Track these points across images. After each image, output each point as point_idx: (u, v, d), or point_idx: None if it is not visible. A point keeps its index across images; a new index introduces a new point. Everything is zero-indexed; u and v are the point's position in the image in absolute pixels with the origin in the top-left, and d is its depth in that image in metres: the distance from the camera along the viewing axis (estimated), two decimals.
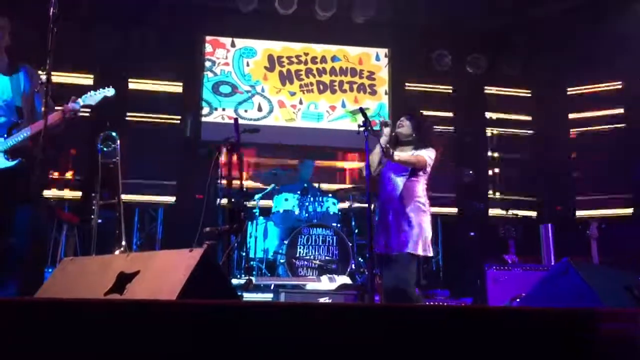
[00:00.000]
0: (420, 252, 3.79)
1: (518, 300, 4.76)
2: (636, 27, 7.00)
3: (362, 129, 3.89)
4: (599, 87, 8.08)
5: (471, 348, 1.88)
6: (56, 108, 3.78)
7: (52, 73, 3.46)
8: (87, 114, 6.35)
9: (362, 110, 3.99)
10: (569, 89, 8.20)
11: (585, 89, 8.12)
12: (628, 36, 7.05)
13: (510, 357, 1.89)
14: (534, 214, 7.86)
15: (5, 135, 3.66)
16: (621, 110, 7.92)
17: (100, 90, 3.98)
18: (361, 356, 1.79)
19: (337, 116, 8.04)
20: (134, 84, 7.64)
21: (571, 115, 8.14)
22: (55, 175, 7.23)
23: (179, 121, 7.75)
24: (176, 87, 7.83)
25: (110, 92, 3.98)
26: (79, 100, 3.81)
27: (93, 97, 3.91)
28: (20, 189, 3.53)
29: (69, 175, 7.27)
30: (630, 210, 7.44)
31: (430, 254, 3.92)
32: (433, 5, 7.56)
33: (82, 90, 4.04)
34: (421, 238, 3.81)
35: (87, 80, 7.34)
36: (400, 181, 3.95)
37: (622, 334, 1.94)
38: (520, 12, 7.72)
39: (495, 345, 1.90)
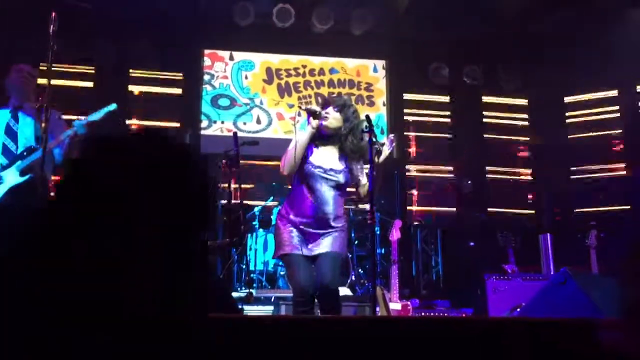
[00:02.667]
0: None
1: (518, 310, 4.76)
2: (634, 36, 7.05)
3: (365, 134, 3.51)
4: (595, 96, 8.13)
5: (473, 359, 1.89)
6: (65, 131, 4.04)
7: (52, 83, 3.55)
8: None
9: (367, 118, 3.58)
10: (566, 98, 8.25)
11: (582, 98, 8.17)
12: (625, 45, 7.10)
13: None
14: (533, 223, 7.87)
15: (25, 154, 4.05)
16: (617, 115, 7.97)
17: (104, 108, 4.11)
18: None
19: None
20: (133, 96, 7.67)
21: (569, 121, 8.19)
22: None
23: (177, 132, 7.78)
24: (175, 99, 7.86)
25: (112, 107, 4.10)
26: (85, 119, 4.00)
27: (97, 115, 4.05)
28: (29, 202, 3.75)
29: None
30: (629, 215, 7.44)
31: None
32: (430, 17, 7.61)
33: (82, 100, 4.18)
34: None
35: (86, 88, 7.37)
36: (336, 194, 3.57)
37: (621, 343, 1.95)
38: (517, 24, 7.76)
39: (496, 355, 1.91)
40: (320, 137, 3.61)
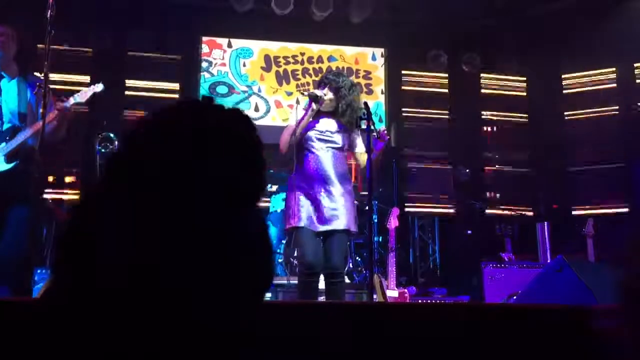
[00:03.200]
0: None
1: (514, 297, 4.79)
2: (629, 22, 7.06)
3: (363, 122, 3.68)
4: (594, 85, 8.12)
5: (469, 345, 1.91)
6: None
7: (49, 73, 3.51)
8: (85, 110, 6.32)
9: (365, 105, 3.75)
10: (564, 89, 8.25)
11: (581, 87, 8.17)
12: (625, 32, 7.11)
13: (507, 353, 1.92)
14: (530, 212, 7.89)
15: (8, 138, 3.70)
16: (616, 107, 7.98)
17: (90, 87, 4.01)
18: (361, 354, 1.82)
19: None
20: (131, 84, 7.64)
21: (567, 113, 8.19)
22: (52, 177, 7.24)
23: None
24: (173, 88, 7.83)
25: (99, 87, 3.99)
26: (70, 99, 3.84)
27: (82, 95, 3.92)
28: (17, 191, 3.55)
29: (69, 179, 7.27)
30: (625, 210, 7.48)
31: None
32: (429, 4, 7.59)
33: (77, 86, 4.11)
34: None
35: (84, 79, 7.34)
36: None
37: (617, 330, 1.96)
38: (515, 10, 7.75)
39: (492, 341, 1.93)
40: (319, 115, 3.82)
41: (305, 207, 3.63)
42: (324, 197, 3.63)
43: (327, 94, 3.75)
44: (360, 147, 3.83)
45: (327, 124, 3.79)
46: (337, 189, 3.66)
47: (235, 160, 0.70)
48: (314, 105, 3.73)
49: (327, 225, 3.61)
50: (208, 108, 0.73)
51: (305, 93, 3.90)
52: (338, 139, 3.75)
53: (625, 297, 0.82)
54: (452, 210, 7.90)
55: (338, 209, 3.63)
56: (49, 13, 3.51)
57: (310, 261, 3.56)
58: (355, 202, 3.93)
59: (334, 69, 8.19)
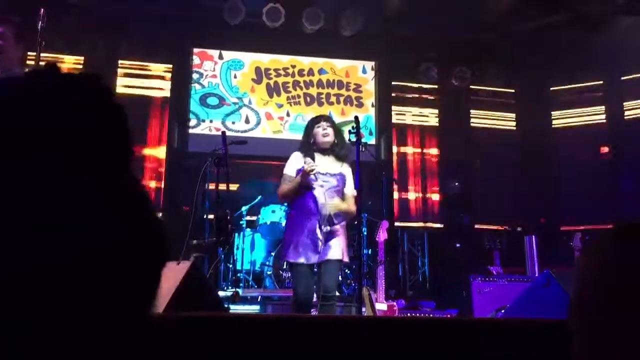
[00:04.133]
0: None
1: (502, 311, 4.80)
2: (619, 41, 7.15)
3: (352, 135, 3.90)
4: (582, 98, 8.22)
5: (457, 358, 1.91)
6: None
7: None
8: None
9: (355, 119, 4.02)
10: (553, 102, 8.34)
11: (569, 100, 8.27)
12: (611, 49, 7.20)
13: None
14: (518, 227, 7.93)
15: None
16: (602, 117, 8.08)
17: None
18: None
19: None
20: (121, 93, 7.62)
21: (555, 124, 8.28)
22: None
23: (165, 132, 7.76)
24: (163, 98, 7.83)
25: None
26: None
27: None
28: None
29: None
30: (611, 225, 7.53)
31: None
32: (420, 19, 7.65)
33: None
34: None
35: None
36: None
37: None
38: (504, 26, 7.83)
39: (480, 356, 1.93)
40: (316, 151, 4.03)
41: (302, 243, 3.85)
42: (319, 232, 3.86)
43: (328, 129, 3.98)
44: (349, 188, 4.02)
45: (327, 166, 3.97)
46: (331, 223, 3.90)
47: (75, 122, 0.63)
48: (307, 169, 3.86)
49: (322, 257, 3.86)
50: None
51: (308, 169, 3.87)
52: (335, 181, 3.96)
53: (571, 311, 0.83)
54: (440, 225, 7.93)
55: (332, 242, 3.90)
56: (39, 25, 3.50)
57: (303, 298, 3.84)
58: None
59: (324, 81, 8.23)
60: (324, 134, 3.95)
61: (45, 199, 0.58)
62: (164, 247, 0.67)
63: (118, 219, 0.61)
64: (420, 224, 7.92)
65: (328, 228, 3.88)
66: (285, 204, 6.17)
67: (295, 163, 3.97)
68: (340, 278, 5.95)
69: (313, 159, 3.93)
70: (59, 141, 0.60)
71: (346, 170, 4.03)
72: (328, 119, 4.13)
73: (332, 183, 3.95)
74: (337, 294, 5.61)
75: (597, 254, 0.83)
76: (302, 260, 3.84)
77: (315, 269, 3.97)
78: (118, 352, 0.61)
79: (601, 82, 8.15)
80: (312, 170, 3.85)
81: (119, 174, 0.65)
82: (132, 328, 0.62)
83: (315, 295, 4.01)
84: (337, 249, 3.91)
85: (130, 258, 0.61)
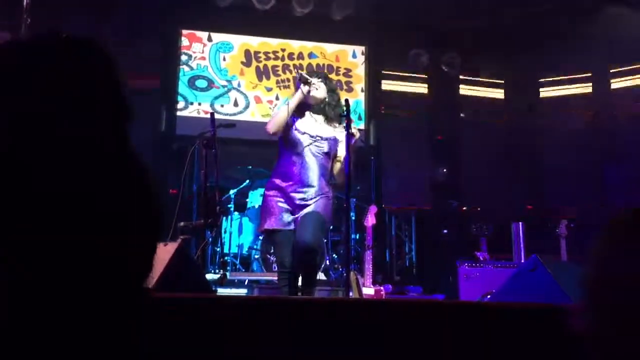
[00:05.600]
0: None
1: (489, 297, 4.84)
2: (605, 27, 7.18)
3: (343, 119, 3.64)
4: (569, 88, 8.25)
5: (442, 342, 1.92)
6: None
7: None
8: None
9: (346, 102, 3.70)
10: (541, 91, 8.38)
11: (557, 91, 8.30)
12: (599, 36, 7.22)
13: (480, 351, 1.93)
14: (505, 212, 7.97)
15: None
16: (590, 107, 8.14)
17: None
18: (336, 349, 1.82)
19: None
20: None
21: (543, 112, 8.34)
22: None
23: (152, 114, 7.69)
24: (151, 80, 7.75)
25: None
26: None
27: None
28: None
29: None
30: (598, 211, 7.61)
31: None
32: (411, 4, 7.61)
33: None
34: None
35: None
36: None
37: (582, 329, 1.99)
38: (495, 12, 7.82)
39: (466, 339, 1.94)
40: (306, 107, 3.77)
41: (278, 207, 3.62)
42: (299, 195, 3.63)
43: (316, 82, 3.74)
44: (340, 152, 3.80)
45: (319, 129, 3.76)
46: (315, 190, 3.65)
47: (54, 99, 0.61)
48: (302, 88, 3.70)
49: (299, 214, 3.61)
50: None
51: (298, 74, 3.82)
52: (326, 146, 3.74)
53: (586, 296, 0.83)
54: (428, 209, 7.95)
55: (310, 203, 3.62)
56: (25, 1, 3.45)
57: (287, 264, 3.58)
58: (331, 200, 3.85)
59: (314, 65, 8.18)
60: (312, 84, 3.69)
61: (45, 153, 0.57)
62: (158, 210, 0.66)
63: (117, 180, 0.60)
64: (408, 207, 7.92)
65: (311, 193, 3.61)
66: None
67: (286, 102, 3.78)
68: (327, 262, 5.96)
69: (302, 116, 3.72)
70: (60, 98, 0.59)
71: (340, 134, 3.74)
72: (320, 74, 3.90)
73: (323, 148, 3.72)
74: (321, 277, 5.64)
75: (611, 240, 0.83)
76: (278, 226, 3.58)
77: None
78: (114, 318, 0.60)
79: (589, 73, 8.18)
80: (308, 81, 3.66)
81: (116, 135, 0.64)
82: (129, 298, 0.61)
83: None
84: (313, 207, 3.58)
85: (128, 220, 0.60)
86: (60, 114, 0.60)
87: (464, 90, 8.54)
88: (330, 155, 3.79)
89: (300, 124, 3.75)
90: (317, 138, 3.71)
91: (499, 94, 8.60)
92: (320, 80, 3.77)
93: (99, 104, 0.64)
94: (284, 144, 3.77)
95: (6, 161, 0.57)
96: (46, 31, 0.67)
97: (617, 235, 0.80)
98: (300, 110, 3.76)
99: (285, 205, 3.62)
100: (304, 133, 3.70)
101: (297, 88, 3.78)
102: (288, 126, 3.68)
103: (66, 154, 0.58)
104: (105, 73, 0.67)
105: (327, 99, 3.77)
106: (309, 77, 3.72)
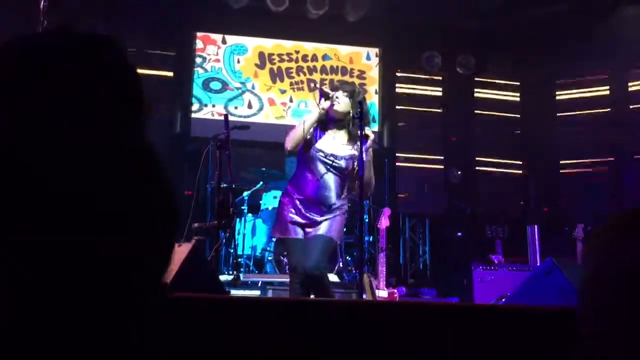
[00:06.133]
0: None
1: (503, 300, 4.80)
2: (623, 30, 7.09)
3: (357, 120, 3.59)
4: (586, 90, 8.17)
5: (458, 345, 1.91)
6: None
7: None
8: None
9: (359, 104, 3.62)
10: (557, 93, 8.30)
11: (573, 91, 8.22)
12: (616, 38, 7.15)
13: (495, 354, 1.92)
14: (521, 215, 7.92)
15: None
16: (608, 110, 8.05)
17: None
18: (349, 351, 1.81)
19: None
20: None
21: (559, 114, 8.26)
22: None
23: (167, 116, 7.74)
24: (166, 82, 7.80)
25: None
26: None
27: None
28: None
29: None
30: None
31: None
32: (425, 5, 7.59)
33: None
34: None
35: None
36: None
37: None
38: (509, 13, 7.77)
39: (480, 342, 1.93)
40: (329, 122, 3.67)
41: (293, 220, 3.63)
42: (311, 214, 3.63)
43: (340, 97, 3.62)
44: (366, 171, 3.66)
45: (333, 147, 3.67)
46: (328, 207, 3.63)
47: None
48: (323, 103, 3.61)
49: (310, 232, 3.63)
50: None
51: (318, 87, 3.77)
52: (343, 163, 3.66)
53: (581, 299, 0.82)
54: (442, 211, 7.92)
55: (325, 222, 3.62)
56: (42, 4, 3.48)
57: (299, 268, 3.58)
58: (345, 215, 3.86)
59: (328, 67, 8.19)
60: (334, 98, 3.57)
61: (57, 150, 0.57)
62: (174, 209, 0.65)
63: (132, 177, 0.60)
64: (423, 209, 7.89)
65: (326, 215, 3.62)
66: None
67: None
68: (341, 264, 5.95)
69: (324, 130, 3.64)
70: (71, 97, 0.59)
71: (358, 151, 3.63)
72: (345, 87, 3.70)
73: (339, 166, 3.65)
74: (335, 279, 5.63)
75: (601, 241, 0.82)
76: (289, 236, 3.62)
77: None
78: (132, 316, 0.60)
79: (606, 75, 8.09)
80: (328, 94, 3.55)
81: (133, 131, 0.64)
82: (134, 297, 0.61)
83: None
84: (325, 227, 3.59)
85: (144, 216, 0.60)
86: (61, 113, 0.60)
87: (479, 93, 8.49)
88: (347, 172, 3.69)
89: (319, 142, 3.67)
90: (331, 156, 3.64)
91: (514, 97, 8.54)
92: (345, 94, 3.61)
93: (102, 102, 0.63)
94: (301, 155, 3.73)
95: (6, 161, 0.57)
96: (53, 28, 0.66)
97: (616, 235, 0.79)
98: (322, 124, 3.67)
99: (296, 218, 3.63)
100: (318, 151, 3.63)
101: (319, 101, 3.67)
102: (307, 141, 3.62)
103: (66, 154, 0.58)
104: (114, 70, 0.67)
105: (351, 113, 3.61)
106: (330, 92, 3.61)
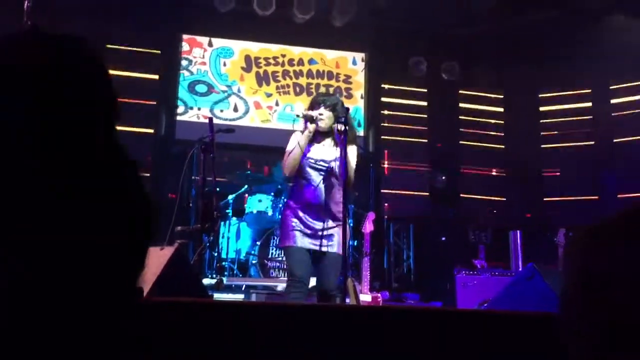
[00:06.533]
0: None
1: (486, 305, 4.83)
2: (608, 39, 7.18)
3: (341, 127, 3.64)
4: (569, 94, 8.27)
5: (439, 350, 1.92)
6: None
7: None
8: None
9: (346, 110, 3.76)
10: (540, 96, 8.40)
11: (556, 95, 8.32)
12: (600, 47, 7.23)
13: (474, 357, 1.93)
14: (504, 221, 7.98)
15: None
16: (590, 117, 8.16)
17: None
18: (332, 355, 1.82)
19: None
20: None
21: (542, 121, 8.36)
22: None
23: (152, 118, 7.70)
24: (151, 84, 7.77)
25: None
26: None
27: None
28: None
29: None
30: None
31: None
32: (411, 11, 7.63)
33: None
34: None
35: None
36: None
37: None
38: (495, 20, 7.83)
39: (462, 347, 1.94)
40: (316, 135, 3.78)
41: (297, 229, 3.69)
42: (317, 224, 3.69)
43: (324, 113, 3.72)
44: (351, 163, 3.77)
45: (322, 153, 3.76)
46: (331, 216, 3.70)
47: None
48: (309, 127, 3.70)
49: (319, 246, 3.67)
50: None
51: (300, 115, 3.79)
52: (333, 165, 3.73)
53: (560, 304, 0.83)
54: (426, 216, 7.96)
55: (333, 234, 3.69)
56: (26, 4, 3.45)
57: (299, 274, 3.63)
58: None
59: (314, 72, 8.20)
60: (319, 118, 3.69)
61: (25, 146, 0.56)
62: (148, 202, 0.65)
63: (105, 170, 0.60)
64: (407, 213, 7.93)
65: (329, 223, 3.69)
66: (280, 196, 6.12)
67: (295, 140, 3.75)
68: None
69: (312, 143, 3.74)
70: (34, 96, 0.59)
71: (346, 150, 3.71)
72: (326, 101, 3.79)
73: (328, 170, 3.74)
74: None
75: (576, 251, 0.83)
76: (297, 245, 3.66)
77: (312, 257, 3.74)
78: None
79: (589, 90, 8.20)
80: (312, 117, 3.65)
81: (102, 130, 0.63)
82: (121, 297, 0.61)
83: (316, 291, 3.84)
84: (336, 242, 3.68)
85: (121, 220, 0.60)
86: (25, 112, 0.59)
87: (464, 103, 8.55)
88: (337, 176, 3.75)
89: (310, 154, 3.76)
90: (321, 162, 3.73)
91: (497, 107, 8.62)
92: (327, 108, 3.72)
93: (68, 101, 0.63)
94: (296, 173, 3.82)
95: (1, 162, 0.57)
96: (27, 29, 0.66)
97: (600, 241, 0.80)
98: (310, 140, 3.78)
99: (301, 227, 3.70)
100: (309, 159, 3.73)
101: (304, 127, 3.76)
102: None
103: (27, 153, 0.57)
104: (81, 70, 0.66)
105: (338, 127, 3.70)
106: (313, 114, 3.70)
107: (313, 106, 3.82)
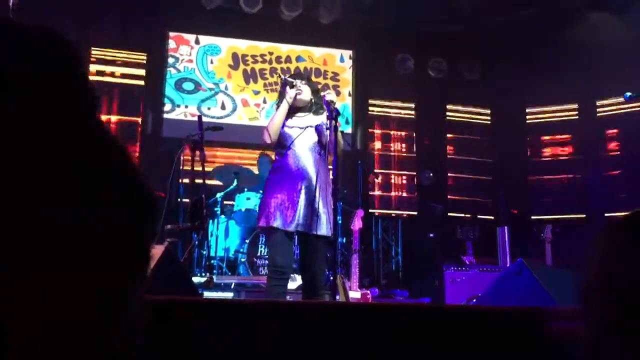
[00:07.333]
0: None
1: (474, 300, 4.86)
2: (592, 36, 7.21)
3: (326, 120, 3.59)
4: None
5: (428, 345, 1.93)
6: None
7: None
8: None
9: (331, 103, 3.63)
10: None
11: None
12: (585, 43, 7.27)
13: (465, 354, 1.94)
14: (491, 217, 8.03)
15: None
16: (575, 116, 8.22)
17: None
18: (321, 353, 1.82)
19: None
20: (94, 77, 7.49)
21: (528, 120, 8.41)
22: None
23: (139, 117, 7.65)
24: (138, 83, 7.72)
25: None
26: None
27: None
28: None
29: None
30: (583, 215, 7.70)
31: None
32: (398, 9, 7.65)
33: None
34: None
35: None
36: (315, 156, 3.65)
37: (573, 332, 2.00)
38: (482, 18, 7.86)
39: (451, 342, 1.95)
40: (292, 110, 3.72)
41: (280, 206, 3.47)
42: (303, 198, 3.49)
43: (302, 87, 3.69)
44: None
45: (308, 120, 3.71)
46: (318, 192, 3.49)
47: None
48: (290, 92, 3.65)
49: (305, 228, 3.46)
50: None
51: (284, 78, 3.77)
52: (320, 134, 3.67)
53: (583, 299, 0.83)
54: (414, 213, 7.99)
55: (319, 214, 3.47)
56: (11, 1, 3.42)
57: (280, 264, 3.44)
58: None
59: (302, 69, 8.19)
60: (299, 88, 3.65)
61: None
62: (148, 195, 0.64)
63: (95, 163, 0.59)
64: (394, 210, 7.96)
65: (316, 193, 3.46)
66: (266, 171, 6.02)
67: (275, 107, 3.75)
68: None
69: (290, 118, 3.68)
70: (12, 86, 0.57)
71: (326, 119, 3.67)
72: (302, 75, 3.82)
73: (315, 137, 3.66)
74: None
75: (611, 245, 0.83)
76: (276, 224, 3.41)
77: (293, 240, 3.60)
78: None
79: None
80: (294, 84, 3.61)
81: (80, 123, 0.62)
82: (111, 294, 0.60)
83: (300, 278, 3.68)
84: (324, 222, 3.47)
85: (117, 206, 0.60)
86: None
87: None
88: (323, 146, 3.67)
89: (288, 122, 3.70)
90: (308, 127, 3.66)
91: (484, 102, 8.66)
92: (304, 82, 3.72)
93: (39, 94, 0.62)
94: (279, 145, 3.71)
95: None
96: None
97: (616, 239, 0.81)
98: (287, 114, 3.71)
99: (286, 203, 3.47)
100: (292, 127, 3.66)
101: (282, 92, 3.74)
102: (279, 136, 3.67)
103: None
104: (54, 63, 0.65)
105: (312, 100, 3.72)
106: (294, 81, 3.67)
107: (294, 77, 3.80)
